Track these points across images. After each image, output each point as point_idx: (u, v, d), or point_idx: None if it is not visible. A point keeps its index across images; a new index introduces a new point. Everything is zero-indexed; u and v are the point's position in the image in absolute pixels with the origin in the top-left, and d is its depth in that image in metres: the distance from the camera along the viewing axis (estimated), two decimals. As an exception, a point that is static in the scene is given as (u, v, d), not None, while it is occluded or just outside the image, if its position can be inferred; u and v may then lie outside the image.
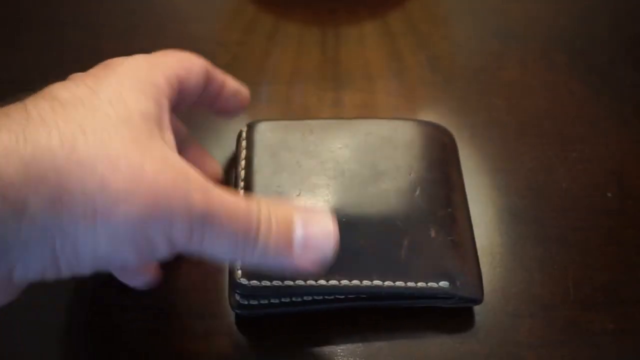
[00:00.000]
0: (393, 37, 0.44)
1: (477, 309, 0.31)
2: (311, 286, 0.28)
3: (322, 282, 0.29)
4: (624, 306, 0.31)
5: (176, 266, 0.31)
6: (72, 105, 0.23)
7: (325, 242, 0.25)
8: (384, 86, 0.41)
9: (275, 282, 0.28)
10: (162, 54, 0.28)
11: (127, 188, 0.22)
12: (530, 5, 0.46)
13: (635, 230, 0.34)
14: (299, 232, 0.24)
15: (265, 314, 0.30)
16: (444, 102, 0.40)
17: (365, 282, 0.29)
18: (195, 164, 0.26)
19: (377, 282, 0.29)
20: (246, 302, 0.29)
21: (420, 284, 0.29)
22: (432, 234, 0.30)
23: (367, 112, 0.40)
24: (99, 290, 0.31)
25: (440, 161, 0.33)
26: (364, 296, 0.29)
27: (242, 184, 0.32)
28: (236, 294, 0.29)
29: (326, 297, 0.29)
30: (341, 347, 0.29)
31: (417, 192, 0.31)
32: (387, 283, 0.29)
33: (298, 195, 0.31)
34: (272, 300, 0.29)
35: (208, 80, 0.29)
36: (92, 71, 0.26)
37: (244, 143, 0.34)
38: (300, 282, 0.28)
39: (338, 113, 0.39)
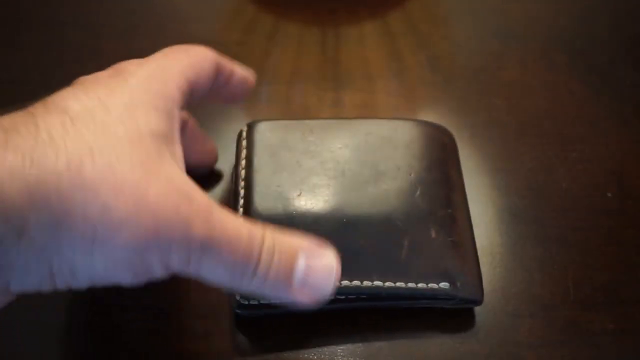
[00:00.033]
0: (393, 37, 0.44)
1: (477, 309, 0.31)
2: (311, 286, 0.28)
3: (322, 282, 0.29)
4: (624, 306, 0.31)
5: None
6: (82, 121, 0.22)
7: (326, 281, 0.25)
8: (384, 86, 0.41)
9: (276, 282, 0.28)
10: (173, 55, 0.27)
11: (128, 214, 0.22)
12: (530, 5, 0.46)
13: (635, 230, 0.34)
14: (300, 267, 0.24)
15: (265, 314, 0.30)
16: (444, 102, 0.40)
17: (366, 283, 0.29)
18: (194, 146, 0.26)
19: (377, 283, 0.29)
20: (246, 302, 0.29)
21: (420, 285, 0.29)
22: (433, 234, 0.30)
23: (367, 112, 0.40)
24: (99, 290, 0.31)
25: (440, 161, 0.33)
26: (364, 296, 0.29)
27: (242, 183, 0.32)
28: (236, 294, 0.29)
29: (326, 297, 0.29)
30: (341, 347, 0.29)
31: (418, 193, 0.31)
32: (388, 283, 0.29)
33: (298, 195, 0.31)
34: (272, 300, 0.29)
35: (217, 72, 0.29)
36: (103, 78, 0.25)
37: (244, 143, 0.34)
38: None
39: (338, 113, 0.39)
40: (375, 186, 0.31)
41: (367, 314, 0.30)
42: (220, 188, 0.35)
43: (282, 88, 0.40)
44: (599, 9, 0.46)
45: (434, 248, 0.30)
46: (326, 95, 0.40)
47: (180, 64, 0.27)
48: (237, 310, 0.30)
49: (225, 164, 0.36)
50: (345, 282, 0.29)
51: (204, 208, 0.23)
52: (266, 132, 0.34)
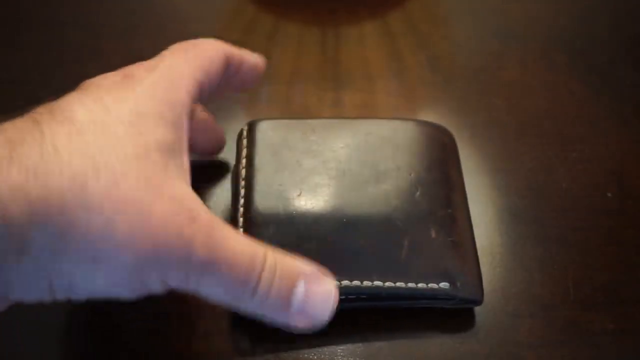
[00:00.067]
0: (393, 37, 0.44)
1: (477, 309, 0.31)
2: (311, 286, 0.28)
3: (323, 282, 0.29)
4: (624, 306, 0.31)
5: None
6: (88, 132, 0.22)
7: (324, 308, 0.25)
8: (384, 86, 0.41)
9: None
10: (183, 56, 0.27)
11: (130, 234, 0.22)
12: (530, 5, 0.46)
13: (635, 230, 0.34)
14: (300, 291, 0.24)
15: (266, 314, 0.30)
16: (444, 102, 0.40)
17: (366, 283, 0.29)
18: (202, 132, 0.26)
19: (377, 283, 0.29)
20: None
21: (420, 285, 0.29)
22: (433, 234, 0.30)
23: (367, 112, 0.40)
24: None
25: (440, 161, 0.33)
26: (364, 296, 0.29)
27: (243, 182, 0.32)
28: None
29: (326, 297, 0.29)
30: (341, 347, 0.29)
31: (418, 193, 0.31)
32: (388, 283, 0.29)
33: (299, 194, 0.31)
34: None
35: (227, 64, 0.29)
36: (111, 83, 0.25)
37: (245, 142, 0.34)
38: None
39: (338, 113, 0.39)
40: (376, 186, 0.31)
41: (367, 314, 0.30)
42: (221, 187, 0.35)
43: (282, 88, 0.40)
44: (599, 9, 0.46)
45: (434, 248, 0.30)
46: (326, 95, 0.40)
47: (190, 67, 0.27)
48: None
49: (225, 164, 0.36)
50: (345, 282, 0.29)
51: (206, 228, 0.23)
52: (267, 132, 0.34)
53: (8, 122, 0.22)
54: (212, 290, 0.24)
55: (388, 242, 0.30)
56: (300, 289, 0.24)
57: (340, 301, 0.29)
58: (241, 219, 0.31)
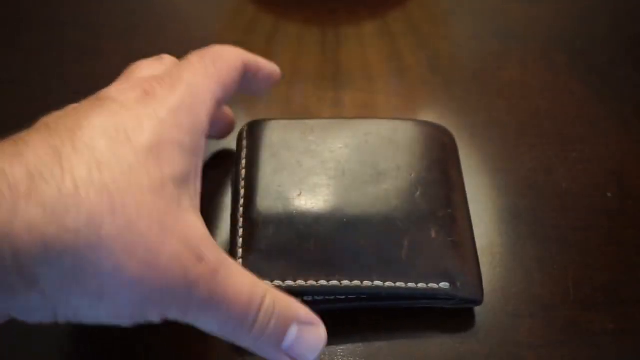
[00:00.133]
0: (393, 37, 0.44)
1: (477, 309, 0.31)
2: (312, 286, 0.28)
3: (323, 282, 0.29)
4: (624, 306, 0.31)
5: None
6: (108, 166, 0.22)
7: (312, 353, 0.26)
8: (384, 86, 0.41)
9: (276, 282, 0.28)
10: (204, 72, 0.27)
11: (137, 276, 0.22)
12: (530, 5, 0.46)
13: (635, 230, 0.34)
14: (292, 333, 0.25)
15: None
16: (444, 102, 0.40)
17: (366, 283, 0.29)
18: (214, 117, 0.27)
19: (377, 283, 0.29)
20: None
21: (420, 285, 0.29)
22: (433, 234, 0.30)
23: (367, 112, 0.40)
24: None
25: (440, 161, 0.33)
26: (364, 296, 0.29)
27: (243, 183, 0.32)
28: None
29: (326, 297, 0.29)
30: (341, 347, 0.29)
31: (418, 193, 0.31)
32: (388, 283, 0.29)
33: (299, 194, 0.31)
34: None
35: (244, 72, 0.29)
36: (132, 103, 0.24)
37: (244, 142, 0.34)
38: (300, 283, 0.28)
39: (338, 113, 0.39)
40: (376, 186, 0.31)
41: (367, 314, 0.30)
42: (221, 187, 0.35)
43: (282, 88, 0.40)
44: (599, 9, 0.46)
45: (434, 248, 0.30)
46: (326, 95, 0.40)
47: (210, 84, 0.27)
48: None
49: (225, 164, 0.36)
50: (345, 282, 0.29)
51: (211, 269, 0.24)
52: (267, 132, 0.34)
53: (28, 146, 0.22)
54: (209, 325, 0.24)
55: (388, 242, 0.30)
56: (293, 331, 0.25)
57: (340, 301, 0.29)
58: (241, 219, 0.31)
